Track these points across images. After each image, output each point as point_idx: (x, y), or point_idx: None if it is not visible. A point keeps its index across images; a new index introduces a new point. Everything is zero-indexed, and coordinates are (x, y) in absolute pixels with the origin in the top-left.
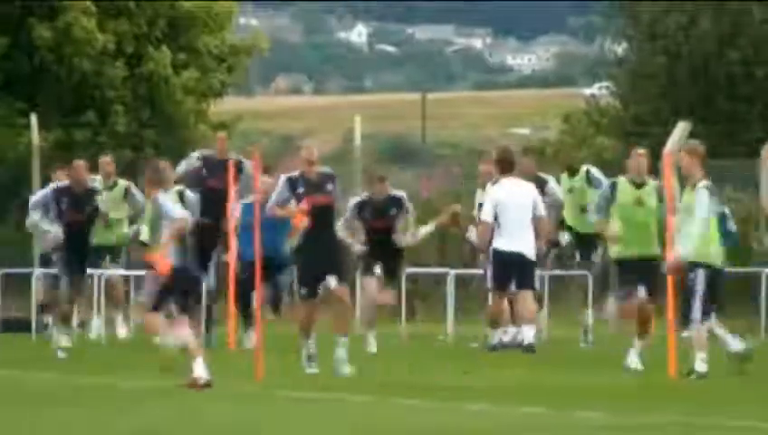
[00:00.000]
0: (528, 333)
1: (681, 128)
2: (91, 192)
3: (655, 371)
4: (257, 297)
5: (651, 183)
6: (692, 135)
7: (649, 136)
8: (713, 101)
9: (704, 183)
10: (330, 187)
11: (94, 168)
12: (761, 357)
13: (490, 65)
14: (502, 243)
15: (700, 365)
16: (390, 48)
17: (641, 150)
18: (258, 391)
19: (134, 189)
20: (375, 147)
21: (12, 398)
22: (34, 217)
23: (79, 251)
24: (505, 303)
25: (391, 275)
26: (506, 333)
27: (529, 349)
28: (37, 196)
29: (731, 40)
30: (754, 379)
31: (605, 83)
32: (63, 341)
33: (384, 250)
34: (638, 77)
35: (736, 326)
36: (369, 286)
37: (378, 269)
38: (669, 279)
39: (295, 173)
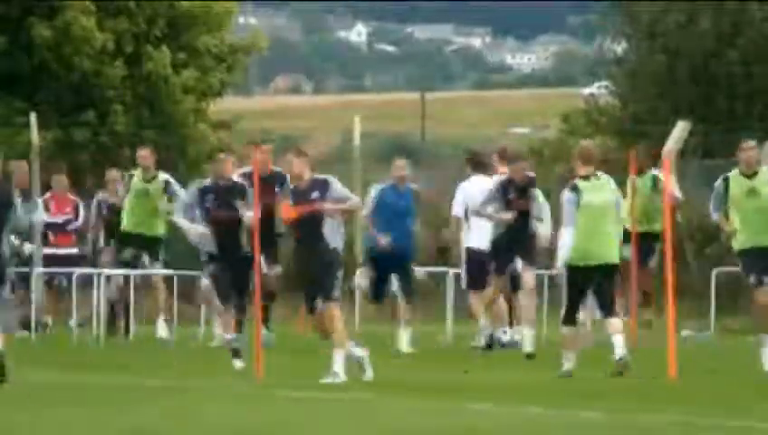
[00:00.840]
0: (527, 341)
1: (680, 127)
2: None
3: (655, 371)
4: (257, 297)
5: (764, 171)
6: (691, 134)
7: (649, 135)
8: (712, 100)
9: None
10: (315, 194)
11: (94, 168)
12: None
13: (489, 65)
14: (473, 241)
15: None
16: (390, 47)
17: (751, 143)
18: (258, 391)
19: (173, 183)
20: (375, 146)
21: (12, 398)
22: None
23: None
24: (503, 303)
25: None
26: (505, 334)
27: (530, 356)
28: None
29: (730, 39)
30: (754, 379)
31: (604, 83)
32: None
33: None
34: (637, 76)
35: (735, 325)
36: (528, 280)
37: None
38: (670, 278)
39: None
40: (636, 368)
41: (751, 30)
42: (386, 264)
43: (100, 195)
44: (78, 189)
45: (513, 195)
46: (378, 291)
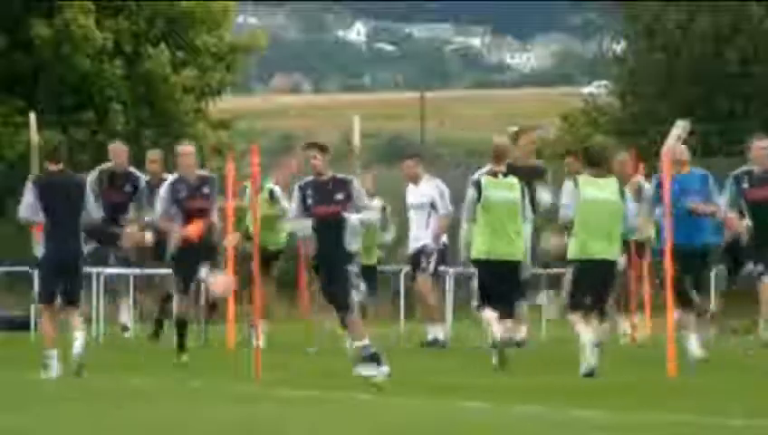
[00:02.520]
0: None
1: (679, 126)
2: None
3: (654, 370)
4: (256, 296)
5: None
6: (690, 133)
7: (648, 135)
8: (711, 99)
9: None
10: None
11: (94, 167)
12: (760, 356)
13: (489, 64)
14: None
15: None
16: (389, 47)
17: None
18: (258, 391)
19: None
20: (375, 146)
21: (12, 398)
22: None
23: None
24: None
25: None
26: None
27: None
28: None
29: (729, 38)
30: (754, 378)
31: (603, 82)
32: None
33: None
34: (636, 76)
35: (735, 324)
36: None
37: None
38: (670, 278)
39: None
40: (636, 368)
41: (750, 29)
42: None
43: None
44: None
45: None
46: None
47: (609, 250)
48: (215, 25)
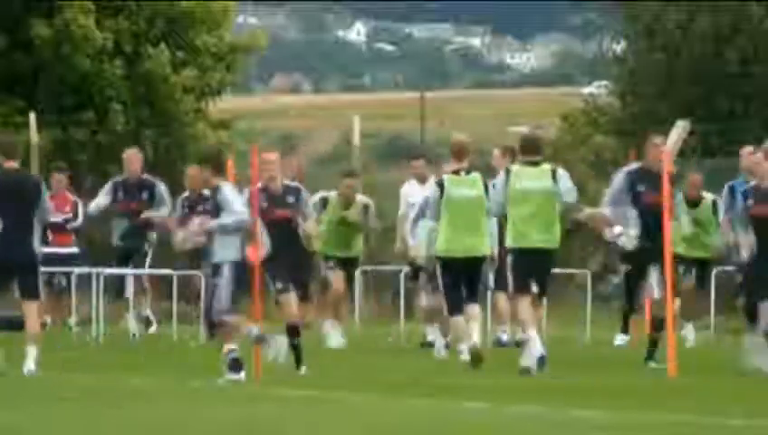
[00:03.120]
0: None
1: (680, 127)
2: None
3: (655, 370)
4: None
5: None
6: (690, 134)
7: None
8: (711, 99)
9: None
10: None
11: (94, 167)
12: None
13: (488, 64)
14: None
15: None
16: (389, 47)
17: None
18: (258, 391)
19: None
20: (374, 145)
21: (11, 397)
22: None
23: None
24: (505, 303)
25: None
26: (505, 333)
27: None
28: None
29: (729, 38)
30: (754, 378)
31: (603, 82)
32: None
33: None
34: (636, 76)
35: (735, 324)
36: None
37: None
38: (670, 278)
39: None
40: (636, 368)
41: (750, 29)
42: None
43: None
44: (77, 189)
45: None
46: None
47: (547, 239)
48: (215, 25)
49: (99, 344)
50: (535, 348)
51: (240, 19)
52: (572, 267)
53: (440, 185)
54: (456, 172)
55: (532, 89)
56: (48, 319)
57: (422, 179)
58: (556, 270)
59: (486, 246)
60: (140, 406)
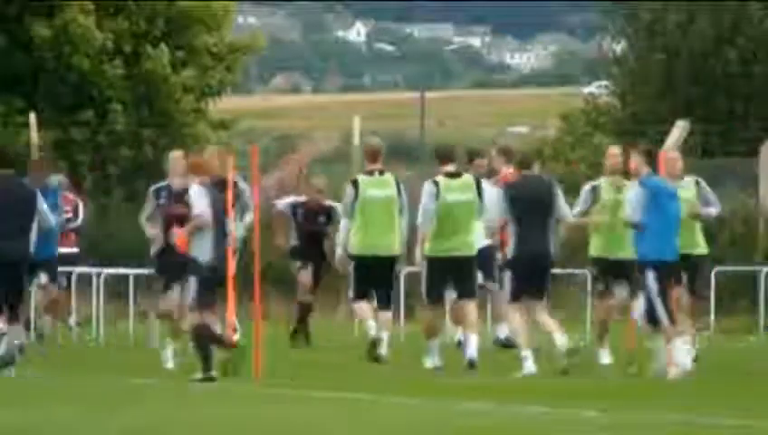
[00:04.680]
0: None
1: (680, 127)
2: None
3: (655, 370)
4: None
5: None
6: (690, 134)
7: (648, 135)
8: (711, 99)
9: None
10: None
11: (94, 167)
12: (759, 355)
13: (489, 64)
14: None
15: None
16: (389, 47)
17: None
18: (258, 391)
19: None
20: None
21: (11, 397)
22: None
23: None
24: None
25: None
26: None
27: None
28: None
29: (730, 38)
30: (753, 377)
31: (603, 82)
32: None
33: None
34: (636, 76)
35: (735, 324)
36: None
37: None
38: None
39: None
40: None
41: (750, 29)
42: None
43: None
44: (77, 189)
45: None
46: None
47: (464, 246)
48: (214, 25)
49: (99, 344)
50: (471, 349)
51: (240, 19)
52: (572, 267)
53: (355, 185)
54: (370, 173)
55: (532, 89)
56: (48, 319)
57: (489, 176)
58: (556, 270)
59: (398, 245)
60: (140, 406)
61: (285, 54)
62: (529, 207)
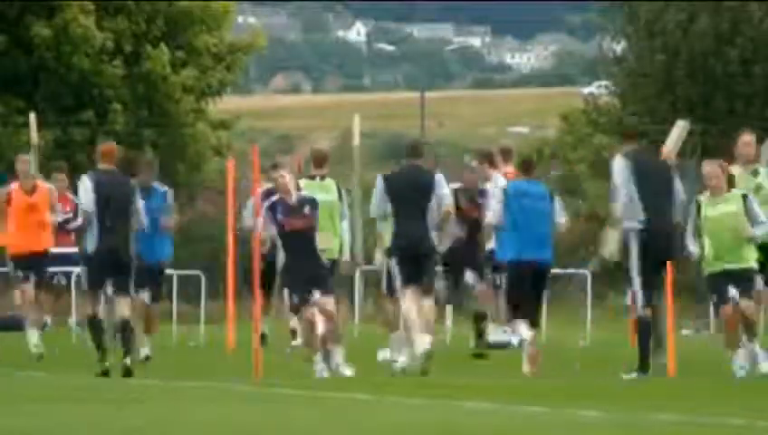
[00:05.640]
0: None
1: (680, 127)
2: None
3: (654, 370)
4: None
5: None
6: (690, 134)
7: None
8: (711, 99)
9: None
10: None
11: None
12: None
13: (489, 64)
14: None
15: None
16: (389, 47)
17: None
18: (257, 391)
19: None
20: (374, 145)
21: (11, 397)
22: None
23: None
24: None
25: None
26: (505, 333)
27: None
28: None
29: (730, 38)
30: (753, 377)
31: (603, 82)
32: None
33: None
34: (636, 76)
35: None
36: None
37: None
38: (669, 278)
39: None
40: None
41: (750, 29)
42: None
43: None
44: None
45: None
46: None
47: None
48: (215, 25)
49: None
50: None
51: (240, 19)
52: (572, 267)
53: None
54: (312, 177)
55: (532, 89)
56: (48, 319)
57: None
58: (556, 270)
59: (338, 248)
60: (140, 406)
61: (285, 54)
62: (406, 196)
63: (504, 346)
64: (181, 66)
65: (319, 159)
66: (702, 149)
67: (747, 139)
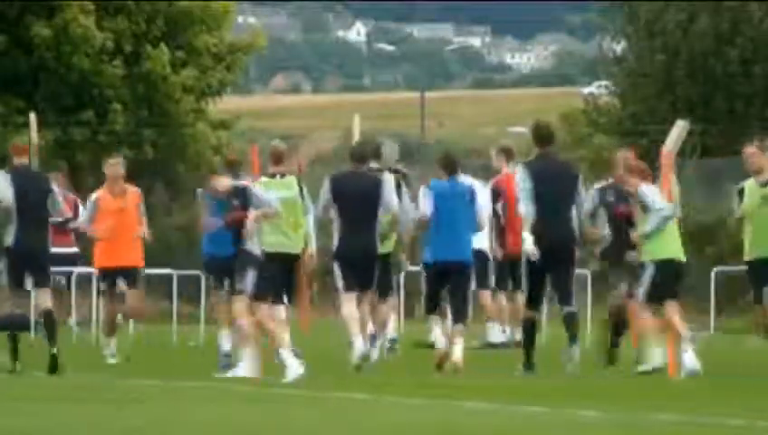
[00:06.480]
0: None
1: (679, 127)
2: None
3: (655, 370)
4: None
5: None
6: (690, 134)
7: (648, 135)
8: (711, 99)
9: None
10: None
11: (93, 167)
12: (758, 355)
13: (488, 64)
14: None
15: None
16: (389, 47)
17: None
18: (257, 391)
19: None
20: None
21: (11, 397)
22: None
23: None
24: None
25: None
26: (504, 333)
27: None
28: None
29: (730, 38)
30: (754, 377)
31: (603, 82)
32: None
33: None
34: (636, 76)
35: (735, 324)
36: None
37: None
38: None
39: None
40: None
41: (750, 29)
42: None
43: None
44: (77, 189)
45: None
46: None
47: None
48: (215, 25)
49: (99, 344)
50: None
51: (240, 19)
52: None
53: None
54: (272, 175)
55: (532, 89)
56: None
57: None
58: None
59: (300, 244)
60: (140, 406)
61: (285, 54)
62: (354, 202)
63: (504, 346)
64: (181, 66)
65: (276, 156)
66: (702, 149)
67: (750, 150)
